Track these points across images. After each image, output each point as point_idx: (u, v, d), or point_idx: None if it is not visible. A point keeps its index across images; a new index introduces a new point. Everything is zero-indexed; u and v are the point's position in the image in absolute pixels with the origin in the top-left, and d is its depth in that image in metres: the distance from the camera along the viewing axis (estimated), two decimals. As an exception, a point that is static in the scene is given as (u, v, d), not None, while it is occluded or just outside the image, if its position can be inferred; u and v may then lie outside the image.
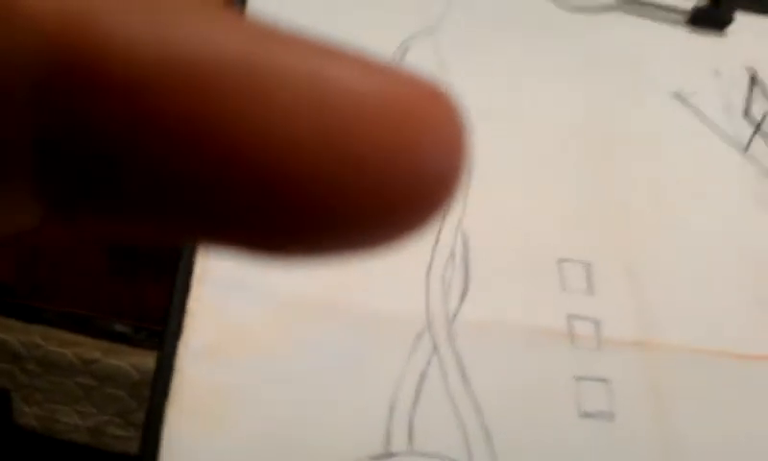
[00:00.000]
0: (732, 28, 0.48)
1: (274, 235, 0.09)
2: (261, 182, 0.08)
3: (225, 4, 0.09)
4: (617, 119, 0.42)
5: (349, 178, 0.08)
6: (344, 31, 0.41)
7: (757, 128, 0.45)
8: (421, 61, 0.41)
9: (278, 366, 0.31)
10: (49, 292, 0.71)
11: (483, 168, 0.38)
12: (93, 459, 0.72)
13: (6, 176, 0.08)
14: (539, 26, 0.45)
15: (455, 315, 0.34)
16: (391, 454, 0.31)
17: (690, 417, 0.34)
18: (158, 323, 0.71)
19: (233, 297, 0.32)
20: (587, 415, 0.34)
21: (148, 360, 0.71)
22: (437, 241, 0.36)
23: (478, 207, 0.37)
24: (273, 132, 0.08)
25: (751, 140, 0.45)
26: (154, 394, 0.29)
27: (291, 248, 0.09)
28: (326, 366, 0.32)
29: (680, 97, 0.44)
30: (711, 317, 0.37)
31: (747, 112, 0.46)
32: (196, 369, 0.30)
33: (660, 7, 0.47)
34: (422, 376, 0.33)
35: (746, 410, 0.35)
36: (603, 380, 0.34)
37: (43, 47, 0.08)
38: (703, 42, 0.47)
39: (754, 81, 0.47)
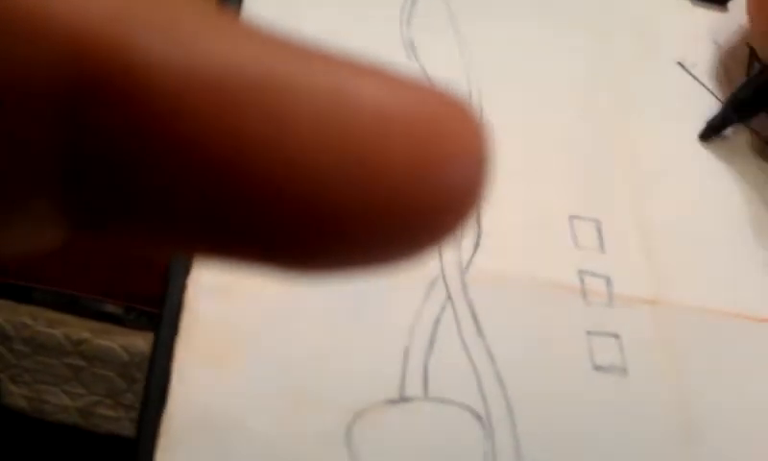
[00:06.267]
0: (733, 5, 0.49)
1: (299, 253, 0.09)
2: (287, 200, 0.08)
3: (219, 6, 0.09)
4: (622, 81, 0.43)
5: (374, 195, 0.08)
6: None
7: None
8: (431, 8, 0.41)
9: (292, 306, 0.31)
10: (38, 271, 0.70)
11: (491, 125, 0.38)
12: (82, 440, 0.71)
13: (36, 191, 0.08)
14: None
15: (468, 265, 0.34)
16: (407, 399, 0.30)
17: (704, 375, 0.34)
18: (149, 304, 0.70)
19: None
20: (599, 368, 0.34)
21: (138, 341, 0.70)
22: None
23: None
24: (298, 149, 0.08)
25: (752, 112, 0.45)
26: (160, 330, 0.29)
27: (314, 265, 0.09)
28: (340, 310, 0.32)
29: (682, 66, 0.45)
30: (721, 278, 0.37)
31: (747, 85, 0.46)
32: (207, 306, 0.30)
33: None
34: (436, 324, 0.32)
35: (759, 371, 0.35)
36: (615, 336, 0.35)
37: (73, 61, 0.08)
38: (705, 16, 0.48)
39: (752, 55, 0.48)
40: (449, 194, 0.08)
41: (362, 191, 0.08)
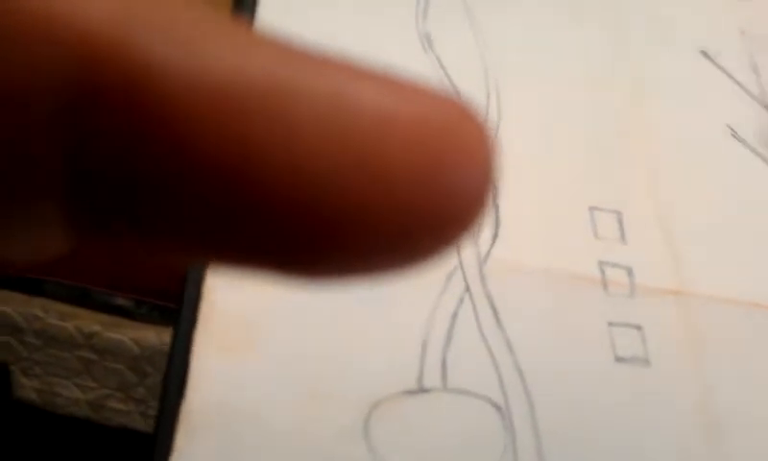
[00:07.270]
0: (755, -9, 0.48)
1: (301, 260, 0.08)
2: (292, 206, 0.08)
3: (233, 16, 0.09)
4: (643, 70, 0.42)
5: (380, 200, 0.08)
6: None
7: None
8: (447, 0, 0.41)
9: (309, 297, 0.30)
10: (49, 264, 0.70)
11: (508, 116, 0.38)
12: (93, 433, 0.71)
13: (38, 196, 0.08)
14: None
15: (486, 256, 0.34)
16: (425, 390, 0.30)
17: (728, 367, 0.34)
18: (160, 297, 0.70)
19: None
20: (621, 360, 0.33)
21: (149, 335, 0.70)
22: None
23: (504, 154, 0.37)
24: (302, 155, 0.08)
25: (775, 101, 0.44)
26: (179, 321, 0.28)
27: (318, 271, 0.09)
28: (358, 300, 0.31)
29: (706, 54, 0.44)
30: (745, 268, 0.37)
31: (771, 74, 0.46)
32: (224, 297, 0.29)
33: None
34: (454, 316, 0.32)
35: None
36: (637, 327, 0.34)
37: (75, 65, 0.08)
38: (729, 3, 0.47)
39: (776, 44, 0.47)
40: (453, 199, 0.08)
41: (362, 195, 0.08)
